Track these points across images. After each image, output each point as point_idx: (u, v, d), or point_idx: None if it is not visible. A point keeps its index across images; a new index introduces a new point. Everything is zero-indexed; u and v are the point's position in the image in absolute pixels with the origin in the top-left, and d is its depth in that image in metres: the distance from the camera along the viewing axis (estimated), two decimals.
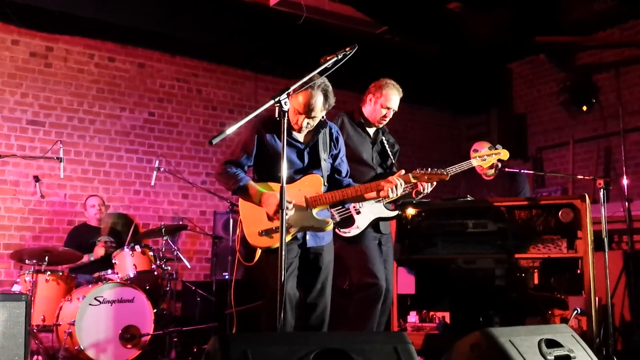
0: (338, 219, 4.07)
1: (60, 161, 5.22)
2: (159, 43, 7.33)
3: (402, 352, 2.43)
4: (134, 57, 7.36)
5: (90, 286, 5.18)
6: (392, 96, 4.22)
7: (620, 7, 7.30)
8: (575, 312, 4.14)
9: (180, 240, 7.32)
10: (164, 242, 5.83)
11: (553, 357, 2.81)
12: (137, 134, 7.30)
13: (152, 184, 6.32)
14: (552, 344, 2.88)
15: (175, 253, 5.89)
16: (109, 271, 5.54)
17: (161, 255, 5.77)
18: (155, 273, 5.63)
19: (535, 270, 4.45)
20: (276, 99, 2.84)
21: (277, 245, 3.13)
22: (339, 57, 3.01)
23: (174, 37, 7.11)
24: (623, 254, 5.65)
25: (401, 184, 3.48)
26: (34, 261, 5.10)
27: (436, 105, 9.51)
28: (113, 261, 5.57)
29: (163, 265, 5.68)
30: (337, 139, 3.70)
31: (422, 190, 3.77)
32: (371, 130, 4.36)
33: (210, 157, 7.69)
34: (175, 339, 5.53)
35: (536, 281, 4.45)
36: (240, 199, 3.55)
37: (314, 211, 3.48)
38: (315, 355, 2.27)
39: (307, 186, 3.49)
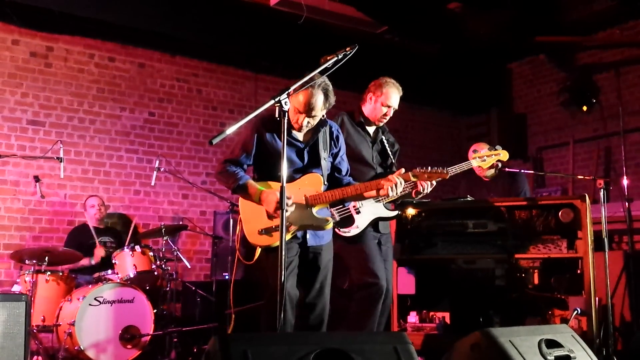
0: (338, 218, 4.07)
1: (61, 161, 5.22)
2: (159, 43, 7.34)
3: (402, 352, 2.43)
4: (134, 57, 7.37)
5: (90, 286, 5.18)
6: (393, 94, 4.22)
7: (620, 7, 7.30)
8: (576, 312, 4.13)
9: (180, 240, 7.32)
10: (164, 242, 5.83)
11: (553, 358, 2.81)
12: (137, 134, 7.30)
13: (152, 184, 6.32)
14: (552, 344, 2.88)
15: (175, 253, 5.90)
16: (109, 271, 5.55)
17: (161, 256, 5.77)
18: (156, 273, 5.63)
19: (536, 271, 4.44)
20: (276, 99, 2.84)
21: (277, 243, 3.13)
22: (339, 57, 3.01)
23: (174, 37, 7.11)
24: (623, 254, 5.65)
25: (401, 183, 3.48)
26: (34, 261, 5.10)
27: (436, 105, 9.52)
28: (113, 261, 5.58)
29: (163, 266, 5.68)
30: (337, 137, 3.71)
31: (422, 190, 3.77)
32: (371, 130, 4.36)
33: (211, 157, 7.69)
34: (176, 339, 5.53)
35: (536, 281, 4.45)
36: (240, 197, 3.55)
37: (314, 210, 3.48)
38: (315, 355, 2.27)
39: (307, 185, 3.49)
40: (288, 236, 3.39)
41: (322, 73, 3.07)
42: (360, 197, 3.67)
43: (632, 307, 5.42)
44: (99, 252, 5.91)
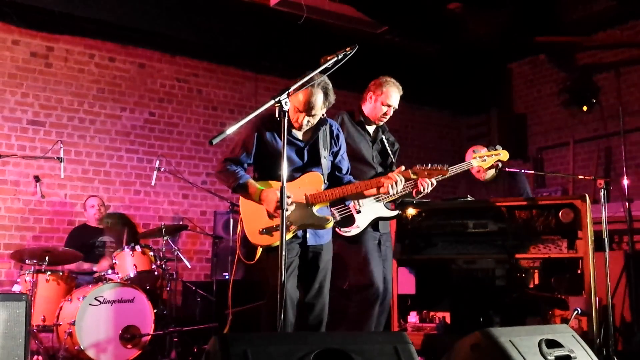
0: (339, 218, 4.07)
1: (61, 161, 5.22)
2: (159, 43, 7.34)
3: (403, 352, 2.43)
4: (135, 57, 7.37)
5: (90, 286, 5.18)
6: (393, 94, 4.22)
7: (620, 7, 7.31)
8: (576, 312, 4.13)
9: (180, 240, 7.32)
10: (164, 242, 5.83)
11: (553, 358, 2.81)
12: (138, 134, 7.30)
13: (153, 184, 6.32)
14: (553, 344, 2.88)
15: (175, 253, 5.89)
16: (109, 271, 5.55)
17: (161, 255, 5.77)
18: (156, 273, 5.62)
19: (536, 271, 4.45)
20: (276, 99, 2.84)
21: (278, 243, 3.13)
22: (339, 57, 3.01)
23: (174, 37, 7.11)
24: (624, 254, 5.65)
25: (401, 180, 3.48)
26: (34, 261, 5.10)
27: (436, 105, 9.52)
28: (113, 261, 5.58)
29: (163, 265, 5.68)
30: (337, 136, 3.71)
31: (422, 190, 3.77)
32: (371, 129, 4.36)
33: (211, 157, 7.69)
34: (176, 339, 5.53)
35: (536, 281, 4.45)
36: (240, 197, 3.55)
37: (314, 209, 3.48)
38: (315, 355, 2.27)
39: (307, 184, 3.49)
40: (289, 235, 3.39)
41: (322, 73, 3.07)
42: (361, 196, 3.66)
43: (633, 307, 5.42)
44: (104, 264, 5.90)
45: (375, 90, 4.24)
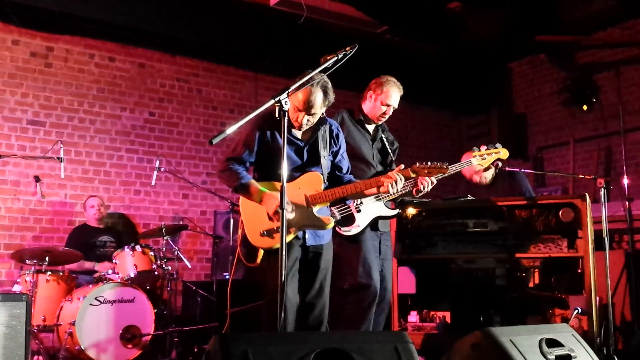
0: (339, 217, 4.07)
1: (61, 161, 5.22)
2: (159, 43, 7.33)
3: (403, 352, 2.43)
4: (135, 57, 7.37)
5: (90, 286, 5.18)
6: (393, 93, 4.22)
7: (620, 6, 7.30)
8: (576, 311, 4.13)
9: (180, 240, 7.32)
10: (165, 242, 5.83)
11: (554, 357, 2.81)
12: (138, 134, 7.30)
13: (153, 183, 6.32)
14: (553, 343, 2.88)
15: (175, 253, 5.89)
16: (110, 271, 5.55)
17: (162, 255, 5.78)
18: (156, 273, 5.63)
19: (536, 270, 4.44)
20: (276, 99, 2.84)
21: (279, 245, 3.12)
22: (339, 56, 3.01)
23: (174, 37, 7.11)
24: (624, 253, 5.65)
25: (401, 179, 3.47)
26: (35, 261, 5.10)
27: (436, 104, 9.52)
28: (114, 261, 5.58)
29: (164, 265, 5.68)
30: (337, 135, 3.70)
31: (422, 189, 3.77)
32: (371, 128, 4.36)
33: (211, 157, 7.69)
34: (176, 339, 5.53)
35: (537, 281, 4.45)
36: (240, 198, 3.54)
37: (315, 209, 3.48)
38: (315, 354, 2.27)
39: (307, 184, 3.49)
40: (289, 237, 3.39)
41: (322, 72, 3.07)
42: (361, 195, 3.66)
43: (633, 307, 5.42)
44: (106, 266, 5.90)
45: (375, 89, 4.24)
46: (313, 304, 3.56)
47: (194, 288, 6.31)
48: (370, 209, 4.13)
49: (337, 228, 4.04)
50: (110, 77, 7.20)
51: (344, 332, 3.66)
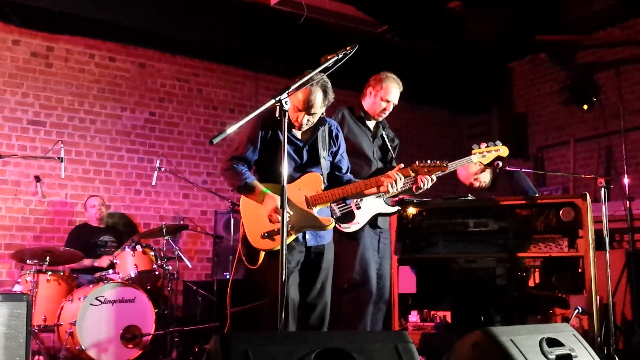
0: (339, 214, 4.06)
1: (61, 161, 5.22)
2: (159, 43, 7.33)
3: (403, 351, 2.43)
4: (135, 56, 7.37)
5: (91, 286, 5.19)
6: (392, 89, 4.22)
7: (620, 6, 7.30)
8: (577, 311, 4.13)
9: (181, 240, 7.32)
10: (165, 241, 5.84)
11: (554, 356, 2.81)
12: (138, 134, 7.30)
13: (153, 183, 6.32)
14: (554, 343, 2.88)
15: (176, 253, 5.89)
16: (110, 271, 5.55)
17: (162, 255, 5.78)
18: (157, 273, 5.63)
19: (536, 269, 4.44)
20: (277, 98, 2.84)
21: (279, 247, 3.12)
22: (340, 56, 3.01)
23: (174, 36, 7.12)
24: (624, 252, 5.64)
25: (401, 179, 3.47)
26: (35, 261, 5.11)
27: (437, 104, 9.52)
28: (114, 261, 5.58)
29: (164, 265, 5.68)
30: (336, 136, 3.70)
31: (422, 186, 3.76)
32: (371, 124, 4.36)
33: (211, 157, 7.70)
34: (177, 339, 5.53)
35: (537, 280, 4.44)
36: (241, 199, 3.54)
37: (315, 210, 3.47)
38: (316, 354, 2.27)
39: (307, 185, 3.49)
40: (290, 239, 3.39)
41: (322, 72, 3.07)
42: (361, 195, 3.66)
43: (633, 306, 5.42)
44: (105, 261, 5.90)
45: (375, 85, 4.25)
46: (314, 304, 3.55)
47: (195, 288, 6.31)
48: (370, 206, 4.13)
49: (336, 225, 4.03)
50: (110, 77, 7.20)
51: (344, 331, 3.65)
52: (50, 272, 5.22)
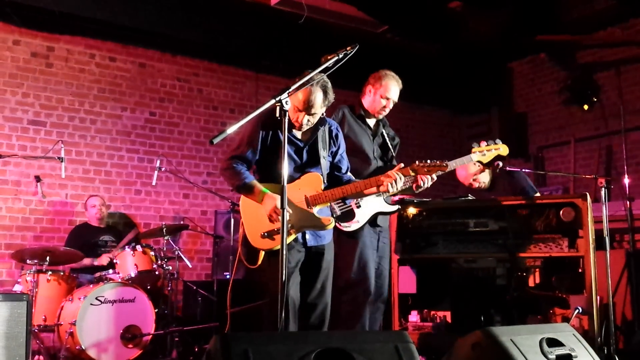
0: (339, 212, 4.06)
1: (62, 161, 5.22)
2: (159, 43, 7.34)
3: (403, 351, 2.43)
4: (135, 56, 7.37)
5: (91, 286, 5.19)
6: (392, 86, 4.23)
7: (620, 6, 7.30)
8: (577, 311, 4.13)
9: (181, 240, 7.32)
10: (165, 241, 5.84)
11: (554, 356, 2.81)
12: (138, 134, 7.30)
13: (154, 183, 6.32)
14: (554, 343, 2.88)
15: (176, 253, 5.89)
16: (110, 271, 5.55)
17: (162, 255, 5.78)
18: (157, 273, 5.63)
19: (537, 269, 4.44)
20: (277, 98, 2.84)
21: (279, 247, 3.12)
22: (340, 56, 3.01)
23: (174, 36, 7.12)
24: (624, 253, 5.64)
25: (400, 178, 3.48)
26: (35, 261, 5.11)
27: (437, 104, 9.52)
28: (114, 261, 5.59)
29: (164, 265, 5.68)
30: (336, 136, 3.70)
31: (422, 185, 3.76)
32: (371, 122, 4.37)
33: (211, 157, 7.70)
34: (177, 339, 5.53)
35: (537, 280, 4.44)
36: (241, 199, 3.54)
37: (315, 210, 3.48)
38: (316, 354, 2.27)
39: (306, 185, 3.49)
40: (290, 238, 3.39)
41: (322, 72, 3.07)
42: (361, 195, 3.66)
43: (634, 306, 5.42)
44: (104, 259, 5.90)
45: (374, 83, 4.25)
46: (315, 304, 3.56)
47: (195, 288, 6.31)
48: (370, 204, 4.13)
49: (337, 224, 4.04)
50: (110, 77, 7.20)
51: (344, 331, 3.66)
52: (50, 272, 5.22)
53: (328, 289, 3.61)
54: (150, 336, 5.24)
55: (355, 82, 4.48)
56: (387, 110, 4.31)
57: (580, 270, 4.23)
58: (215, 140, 2.70)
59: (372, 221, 4.18)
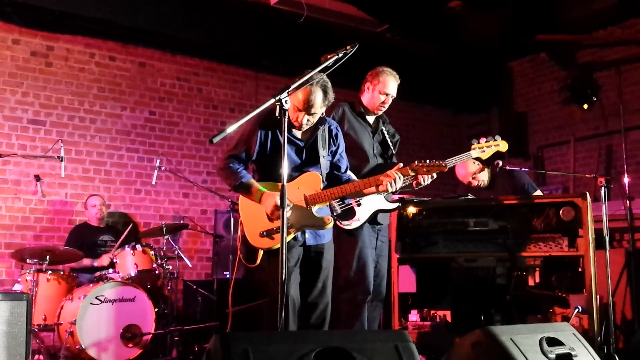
0: (339, 211, 4.06)
1: (61, 160, 5.22)
2: (159, 42, 7.33)
3: (403, 351, 2.43)
4: (135, 56, 7.36)
5: (91, 285, 5.19)
6: (390, 82, 4.24)
7: (620, 5, 7.30)
8: (577, 310, 4.13)
9: (181, 239, 7.32)
10: (165, 241, 5.84)
11: (554, 356, 2.81)
12: (138, 133, 7.30)
13: (153, 183, 6.32)
14: (554, 342, 2.88)
15: (176, 252, 5.90)
16: (110, 270, 5.55)
17: (162, 254, 5.78)
18: (157, 272, 5.63)
19: (537, 269, 4.44)
20: (277, 98, 2.84)
21: (279, 246, 3.12)
22: (340, 55, 3.01)
23: (174, 36, 7.12)
24: (624, 252, 5.64)
25: (400, 178, 3.48)
26: (35, 260, 5.11)
27: (437, 103, 9.52)
28: (114, 260, 5.58)
29: (164, 264, 5.68)
30: (336, 135, 3.70)
31: (422, 182, 3.77)
32: (371, 119, 4.37)
33: (211, 156, 7.69)
34: (177, 338, 5.53)
35: (537, 279, 4.44)
36: (240, 198, 3.54)
37: (314, 209, 3.48)
38: (316, 353, 2.27)
39: (306, 184, 3.49)
40: (289, 237, 3.38)
41: (322, 71, 3.07)
42: (360, 194, 3.67)
43: (634, 305, 5.42)
44: (105, 260, 5.90)
45: (372, 80, 4.27)
46: (315, 304, 3.56)
47: (195, 287, 6.31)
48: (370, 202, 4.13)
49: (337, 222, 4.04)
50: (110, 76, 7.20)
51: (344, 331, 3.66)
52: (50, 272, 5.22)
53: (328, 288, 3.61)
54: (150, 335, 5.24)
55: (355, 82, 4.48)
56: (386, 106, 4.32)
57: (580, 270, 4.24)
58: (215, 140, 2.70)
59: (372, 219, 4.18)
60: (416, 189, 3.92)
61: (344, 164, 3.77)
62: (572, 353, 2.86)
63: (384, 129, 4.42)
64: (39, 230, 6.63)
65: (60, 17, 6.48)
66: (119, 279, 5.32)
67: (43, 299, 5.09)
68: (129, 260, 5.48)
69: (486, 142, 4.28)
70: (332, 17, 7.28)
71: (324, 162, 3.60)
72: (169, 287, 5.69)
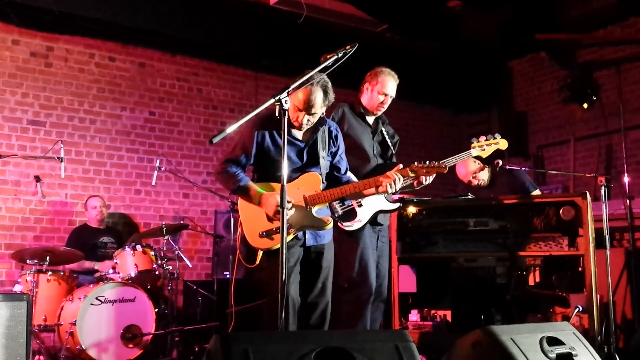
0: (340, 212, 4.06)
1: (61, 161, 5.22)
2: (159, 42, 7.33)
3: (404, 350, 2.43)
4: (135, 56, 7.36)
5: (91, 286, 5.18)
6: (388, 82, 4.24)
7: (620, 4, 7.30)
8: (577, 309, 4.13)
9: (181, 239, 7.32)
10: (165, 241, 5.83)
11: (555, 355, 2.81)
12: (138, 134, 7.30)
13: (153, 183, 6.32)
14: (554, 341, 2.88)
15: (176, 252, 5.89)
16: (110, 271, 5.55)
17: (162, 255, 5.77)
18: (157, 272, 5.63)
19: (537, 268, 4.44)
20: (277, 98, 2.83)
21: (278, 246, 3.12)
22: (339, 55, 3.01)
23: (174, 36, 7.11)
24: (624, 251, 5.64)
25: (399, 179, 3.48)
26: (35, 261, 5.10)
27: (437, 103, 9.52)
28: (114, 261, 5.58)
29: (164, 265, 5.68)
30: (336, 136, 3.70)
31: (423, 182, 3.77)
32: (371, 120, 4.38)
33: (211, 157, 7.69)
34: (177, 338, 5.53)
35: (537, 279, 4.45)
36: (239, 199, 3.54)
37: (314, 210, 3.48)
38: (316, 353, 2.27)
39: (305, 185, 3.49)
40: (289, 238, 3.38)
41: (322, 71, 3.07)
42: (360, 195, 3.66)
43: (634, 305, 5.42)
44: (106, 266, 5.89)
45: (371, 80, 4.27)
46: (316, 304, 3.56)
47: (195, 287, 6.31)
48: (371, 202, 4.13)
49: (339, 223, 4.04)
50: (110, 77, 7.20)
51: (344, 330, 3.66)
52: (50, 272, 5.21)
53: (328, 288, 3.62)
54: (151, 336, 5.24)
55: (355, 82, 4.49)
56: (386, 106, 4.32)
57: (580, 269, 4.23)
58: (215, 140, 2.70)
59: (373, 220, 4.18)
60: (417, 188, 3.92)
61: (344, 165, 3.77)
62: (573, 352, 2.86)
63: (383, 129, 4.42)
64: (39, 231, 6.63)
65: (59, 17, 6.47)
66: (119, 280, 5.32)
67: (43, 300, 5.09)
68: (129, 261, 5.48)
69: (486, 140, 4.29)
70: (331, 17, 7.28)
71: (324, 163, 3.60)
72: (169, 288, 5.69)
